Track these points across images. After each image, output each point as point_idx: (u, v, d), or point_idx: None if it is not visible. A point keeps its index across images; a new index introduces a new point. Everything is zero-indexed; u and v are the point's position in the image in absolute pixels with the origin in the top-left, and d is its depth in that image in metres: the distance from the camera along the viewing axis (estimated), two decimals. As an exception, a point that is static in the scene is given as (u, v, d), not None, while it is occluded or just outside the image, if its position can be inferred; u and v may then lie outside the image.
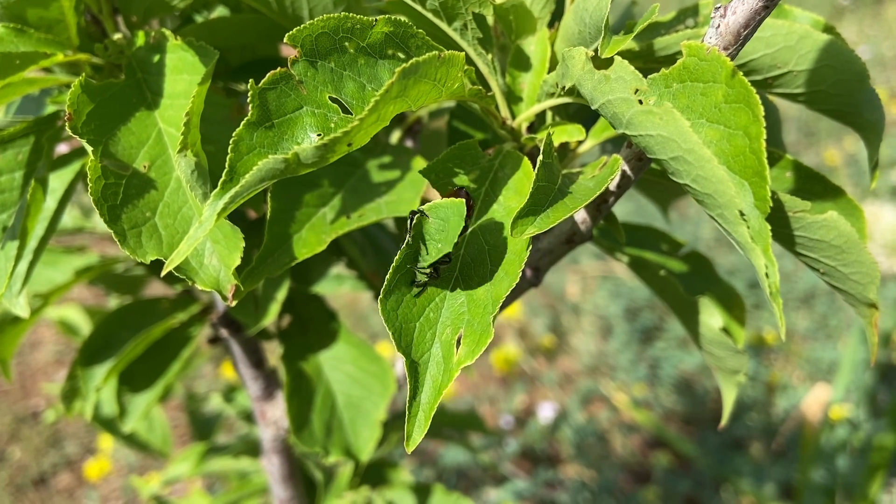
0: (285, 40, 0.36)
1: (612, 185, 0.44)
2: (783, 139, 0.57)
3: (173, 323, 0.72)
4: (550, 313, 2.51)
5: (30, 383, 2.38)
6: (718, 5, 0.36)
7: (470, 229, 0.41)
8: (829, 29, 0.46)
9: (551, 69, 0.46)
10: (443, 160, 0.43)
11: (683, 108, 0.34)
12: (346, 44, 0.37)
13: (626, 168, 0.42)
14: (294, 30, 0.35)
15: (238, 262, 0.44)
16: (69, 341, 2.47)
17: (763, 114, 0.32)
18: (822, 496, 1.59)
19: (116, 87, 0.46)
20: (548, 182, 0.38)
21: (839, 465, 1.65)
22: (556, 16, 0.49)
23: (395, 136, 0.71)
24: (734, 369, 0.57)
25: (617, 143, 0.56)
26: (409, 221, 0.40)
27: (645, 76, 0.36)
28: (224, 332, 0.75)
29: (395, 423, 0.90)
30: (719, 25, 0.35)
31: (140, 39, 0.49)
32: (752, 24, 0.35)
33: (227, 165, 0.34)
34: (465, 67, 0.38)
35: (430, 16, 0.45)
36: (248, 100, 0.35)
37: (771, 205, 0.32)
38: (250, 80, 0.35)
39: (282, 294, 0.66)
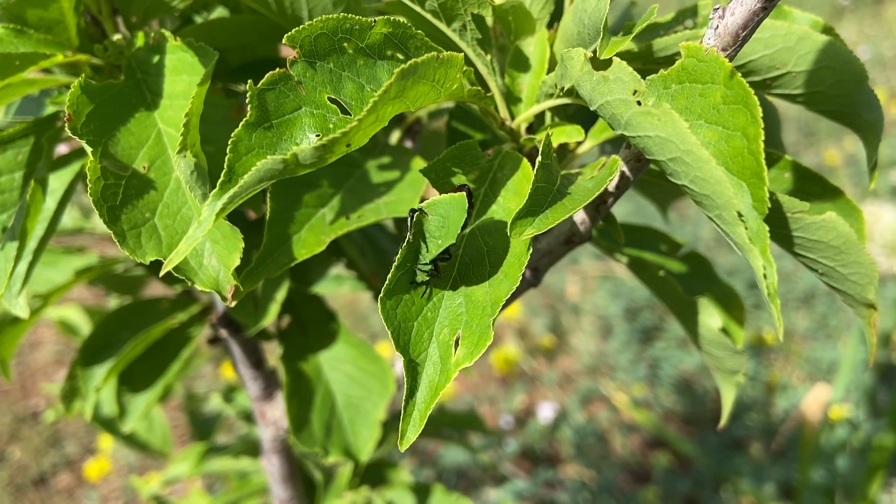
0: (284, 41, 0.36)
1: (611, 186, 0.44)
2: (783, 139, 0.58)
3: (173, 323, 0.72)
4: (550, 313, 2.51)
5: (30, 383, 2.38)
6: (717, 6, 0.36)
7: (469, 230, 0.41)
8: (827, 30, 0.46)
9: (550, 70, 0.46)
10: (442, 160, 0.43)
11: (682, 109, 0.35)
12: (345, 44, 0.37)
13: (624, 169, 0.42)
14: (293, 30, 0.35)
15: (237, 262, 0.44)
16: (69, 341, 2.47)
17: (761, 115, 0.32)
18: (822, 496, 1.59)
19: (116, 87, 0.46)
20: (547, 183, 0.38)
21: (839, 465, 1.65)
22: (556, 16, 0.49)
23: (394, 137, 0.71)
24: (733, 369, 0.57)
25: (616, 144, 0.56)
26: (409, 220, 0.40)
27: (644, 77, 0.36)
28: (224, 333, 0.75)
29: (395, 423, 0.90)
30: (718, 27, 0.35)
31: (140, 40, 0.49)
32: (750, 26, 0.35)
33: (225, 166, 0.34)
34: (464, 68, 0.38)
35: (429, 16, 0.45)
36: (247, 100, 0.35)
37: (769, 206, 0.32)
38: (249, 81, 0.35)
39: (281, 294, 0.66)
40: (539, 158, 0.38)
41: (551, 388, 2.25)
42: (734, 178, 0.33)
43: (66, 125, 0.42)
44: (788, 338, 2.22)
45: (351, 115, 0.37)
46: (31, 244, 0.51)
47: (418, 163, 0.52)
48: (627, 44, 0.44)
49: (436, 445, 1.98)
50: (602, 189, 0.38)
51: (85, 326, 1.10)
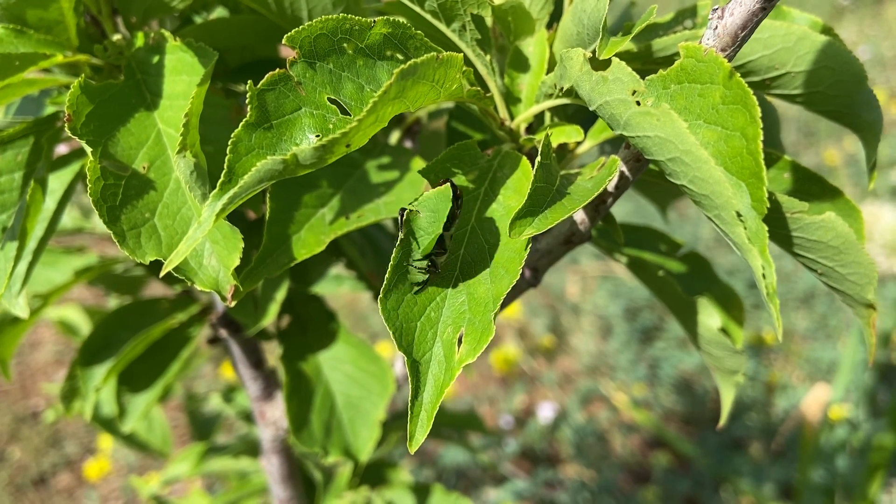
0: (284, 41, 0.36)
1: (611, 186, 0.44)
2: (783, 139, 0.58)
3: (173, 323, 0.72)
4: (550, 313, 2.51)
5: (30, 383, 2.38)
6: (716, 7, 0.36)
7: (469, 227, 0.41)
8: (826, 30, 0.46)
9: (550, 70, 0.46)
10: (441, 160, 0.43)
11: (681, 109, 0.35)
12: (345, 45, 0.37)
13: (624, 169, 0.42)
14: (293, 31, 0.36)
15: (237, 262, 0.44)
16: (69, 341, 2.47)
17: (760, 115, 0.32)
18: (822, 496, 1.59)
19: (116, 87, 0.46)
20: (546, 183, 0.38)
21: (839, 465, 1.65)
22: (555, 17, 0.49)
23: (394, 137, 0.71)
24: (732, 369, 0.57)
25: (615, 144, 0.56)
26: (399, 219, 0.40)
27: (643, 77, 0.36)
28: (223, 333, 0.75)
29: (395, 423, 0.90)
30: (717, 27, 0.35)
31: (139, 40, 0.49)
32: (749, 26, 0.35)
33: (225, 166, 0.34)
34: (464, 68, 0.39)
35: (428, 17, 0.45)
36: (247, 101, 0.35)
37: (768, 206, 0.32)
38: (249, 82, 0.35)
39: (281, 294, 0.66)
40: (538, 158, 0.38)
41: (551, 388, 2.25)
42: (733, 178, 0.33)
43: (66, 125, 0.42)
44: (788, 338, 2.22)
45: (351, 115, 0.37)
46: (31, 244, 0.51)
47: (418, 163, 0.52)
48: (627, 44, 0.44)
49: (435, 445, 1.98)
50: (601, 189, 0.38)
51: (85, 326, 1.10)
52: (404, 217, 0.40)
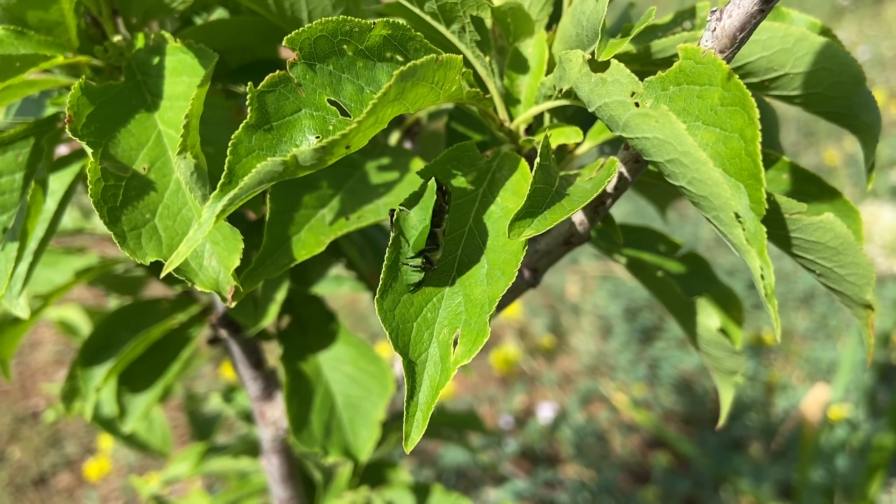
0: (284, 43, 0.36)
1: (610, 187, 0.44)
2: (782, 140, 0.58)
3: (173, 324, 0.72)
4: (550, 313, 2.52)
5: (30, 383, 2.38)
6: (714, 8, 0.36)
7: (467, 228, 0.41)
8: (825, 31, 0.46)
9: (549, 71, 0.46)
10: (441, 161, 0.43)
11: (679, 110, 0.35)
12: (345, 47, 0.37)
13: (623, 170, 0.42)
14: (293, 33, 0.36)
15: (237, 263, 0.44)
16: (69, 342, 2.47)
17: (758, 116, 0.32)
18: (822, 496, 1.59)
19: (116, 89, 0.46)
20: (545, 184, 0.38)
21: (838, 465, 1.65)
22: (554, 18, 0.49)
23: (393, 138, 0.71)
24: (732, 370, 0.57)
25: (614, 145, 0.56)
26: (390, 221, 0.40)
27: (642, 79, 0.36)
28: (223, 333, 0.75)
29: (395, 423, 0.90)
30: (715, 28, 0.36)
31: (140, 41, 0.49)
32: (747, 28, 0.35)
33: (225, 168, 0.34)
34: (463, 70, 0.39)
35: (428, 18, 0.45)
36: (247, 102, 0.35)
37: (766, 207, 0.32)
38: (249, 83, 0.35)
39: (281, 295, 0.66)
40: (537, 160, 0.38)
41: (551, 389, 2.25)
42: (731, 180, 0.33)
43: (67, 126, 0.42)
44: (788, 338, 2.22)
45: (350, 116, 0.37)
46: (32, 245, 0.51)
47: (417, 164, 0.53)
48: (626, 45, 0.44)
49: (435, 445, 1.98)
50: (600, 190, 0.38)
51: (85, 327, 1.11)
52: (394, 217, 0.40)
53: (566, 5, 0.47)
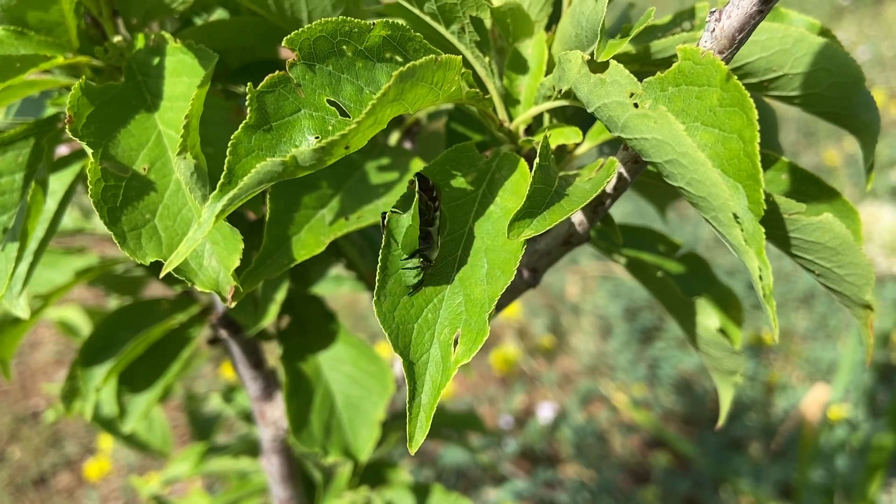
0: (283, 44, 0.36)
1: (609, 188, 0.44)
2: (782, 140, 0.58)
3: (173, 324, 0.72)
4: (550, 313, 2.52)
5: (30, 383, 2.38)
6: (713, 9, 0.36)
7: (467, 229, 0.41)
8: (824, 32, 0.46)
9: (548, 72, 0.46)
10: (440, 162, 0.43)
11: (678, 111, 0.35)
12: (344, 47, 0.37)
13: (622, 170, 0.43)
14: (292, 33, 0.36)
15: (237, 263, 0.44)
16: (69, 342, 2.47)
17: (757, 117, 0.32)
18: (821, 496, 1.59)
19: (116, 89, 0.46)
20: (544, 184, 0.38)
21: (838, 465, 1.65)
22: (554, 19, 0.49)
23: (393, 138, 0.71)
24: (731, 370, 0.57)
25: (614, 146, 0.56)
26: (381, 224, 0.40)
27: (641, 79, 0.36)
28: (223, 333, 0.76)
29: (394, 423, 0.90)
30: (714, 29, 0.36)
31: (140, 42, 0.49)
32: (746, 28, 0.35)
33: (225, 168, 0.34)
34: (463, 70, 0.39)
35: (427, 19, 0.45)
36: (247, 103, 0.35)
37: (765, 207, 0.32)
38: (249, 84, 0.35)
39: (281, 295, 0.66)
40: (537, 160, 0.38)
41: (551, 389, 2.25)
42: (730, 180, 0.33)
43: (67, 127, 0.42)
44: (788, 338, 2.22)
45: (350, 117, 0.37)
46: (32, 245, 0.51)
47: (417, 164, 0.53)
48: (625, 46, 0.44)
49: (435, 445, 1.98)
50: (600, 190, 0.38)
51: (85, 327, 1.11)
52: (385, 220, 0.40)
53: (565, 6, 0.47)
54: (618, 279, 2.50)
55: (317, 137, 0.36)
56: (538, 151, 0.39)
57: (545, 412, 2.09)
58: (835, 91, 0.45)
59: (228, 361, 1.44)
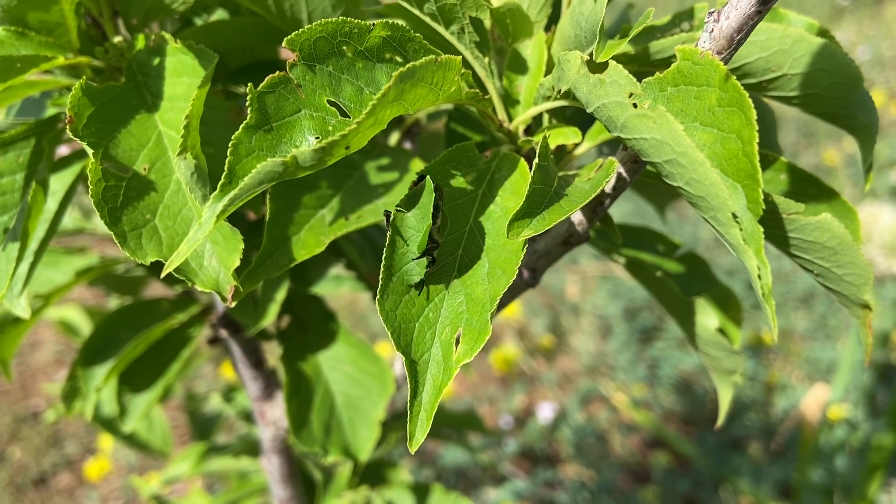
0: (284, 44, 0.36)
1: (608, 188, 0.44)
2: (782, 140, 0.58)
3: (173, 323, 0.72)
4: (550, 313, 2.52)
5: (30, 383, 2.38)
6: (712, 10, 0.36)
7: (467, 228, 0.41)
8: (823, 32, 0.46)
9: (548, 72, 0.46)
10: (440, 162, 0.43)
11: (677, 111, 0.35)
12: (344, 48, 0.37)
13: (621, 170, 0.43)
14: (293, 34, 0.36)
15: (237, 263, 0.44)
16: (69, 341, 2.48)
17: (756, 117, 0.32)
18: (821, 496, 1.59)
19: (117, 89, 0.46)
20: (544, 184, 0.38)
21: (838, 465, 1.65)
22: (553, 19, 0.49)
23: (393, 138, 0.71)
24: (730, 369, 0.57)
25: (613, 146, 0.56)
26: (386, 222, 0.40)
27: (640, 80, 0.36)
28: (223, 333, 0.76)
29: (394, 422, 0.90)
30: (713, 30, 0.36)
31: (140, 42, 0.50)
32: (745, 29, 0.35)
33: (226, 168, 0.34)
34: (462, 71, 0.39)
35: (427, 20, 0.45)
36: (247, 103, 0.35)
37: (763, 207, 0.32)
38: (249, 84, 0.35)
39: (281, 295, 0.66)
40: (536, 160, 0.38)
41: (551, 389, 2.26)
42: (729, 180, 0.33)
43: (68, 127, 0.42)
44: (788, 338, 2.22)
45: (350, 117, 0.37)
46: (33, 245, 0.51)
47: (417, 164, 0.53)
48: (624, 46, 0.45)
49: (435, 445, 1.98)
50: (599, 190, 0.39)
51: (85, 327, 1.11)
52: (391, 219, 0.40)
53: (565, 6, 0.47)
54: (617, 279, 2.50)
55: (317, 138, 0.36)
56: (537, 151, 0.39)
57: (545, 412, 2.09)
58: (833, 91, 0.45)
59: (228, 361, 1.44)
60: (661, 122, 0.32)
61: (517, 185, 0.43)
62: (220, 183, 0.34)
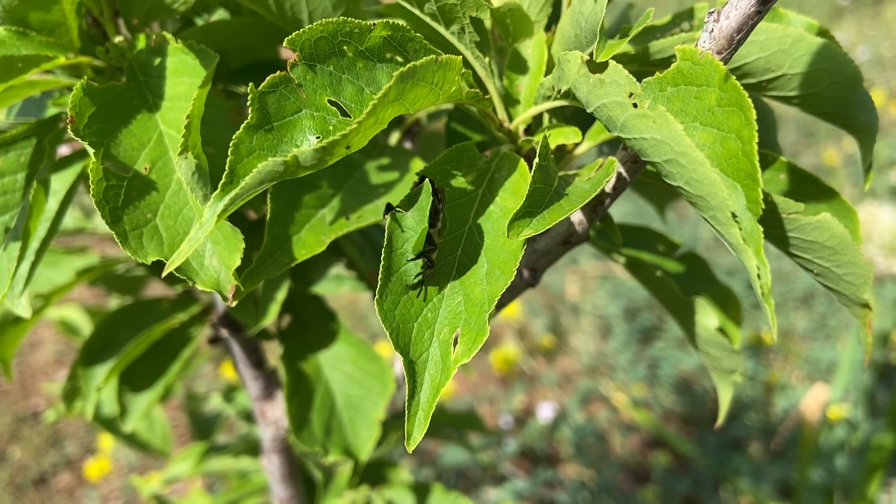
0: (284, 44, 0.36)
1: (608, 188, 0.44)
2: (782, 140, 0.58)
3: (174, 323, 0.73)
4: (550, 313, 2.52)
5: (30, 383, 2.38)
6: (712, 10, 0.36)
7: (467, 228, 0.41)
8: (822, 32, 0.46)
9: (548, 72, 0.47)
10: (440, 162, 0.43)
11: (677, 111, 0.35)
12: (345, 48, 0.37)
13: (621, 170, 0.43)
14: (293, 34, 0.36)
15: (238, 262, 0.44)
16: (69, 341, 2.48)
17: (755, 117, 0.32)
18: (821, 496, 1.59)
19: (118, 89, 0.46)
20: (544, 184, 0.38)
21: (837, 465, 1.66)
22: (553, 19, 0.50)
23: (393, 138, 0.71)
24: (730, 369, 0.57)
25: (613, 146, 0.56)
26: (384, 222, 0.41)
27: (640, 79, 0.36)
28: (224, 333, 0.76)
29: (395, 422, 0.90)
30: (713, 30, 0.36)
31: (141, 42, 0.50)
32: (744, 29, 0.35)
33: (227, 168, 0.34)
34: (463, 71, 0.39)
35: (427, 19, 0.45)
36: (248, 103, 0.35)
37: (763, 207, 0.32)
38: (250, 84, 0.35)
39: (281, 294, 0.66)
40: (536, 160, 0.38)
41: (551, 388, 2.26)
42: (728, 180, 0.33)
43: (69, 127, 0.43)
44: (787, 338, 2.22)
45: (351, 117, 0.37)
46: (34, 245, 0.51)
47: (417, 164, 0.53)
48: (624, 46, 0.45)
49: (435, 445, 1.99)
50: (599, 190, 0.39)
51: (85, 326, 1.11)
52: (390, 218, 0.40)
53: (565, 6, 0.47)
54: (617, 279, 2.50)
55: (318, 137, 0.36)
56: (538, 151, 0.39)
57: (545, 412, 2.09)
58: (833, 91, 0.45)
59: (229, 361, 1.44)
60: (660, 121, 0.32)
61: (517, 185, 0.43)
62: (221, 182, 0.34)
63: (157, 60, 0.48)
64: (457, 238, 0.41)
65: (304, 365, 0.72)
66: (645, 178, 0.49)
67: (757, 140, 0.32)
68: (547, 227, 0.36)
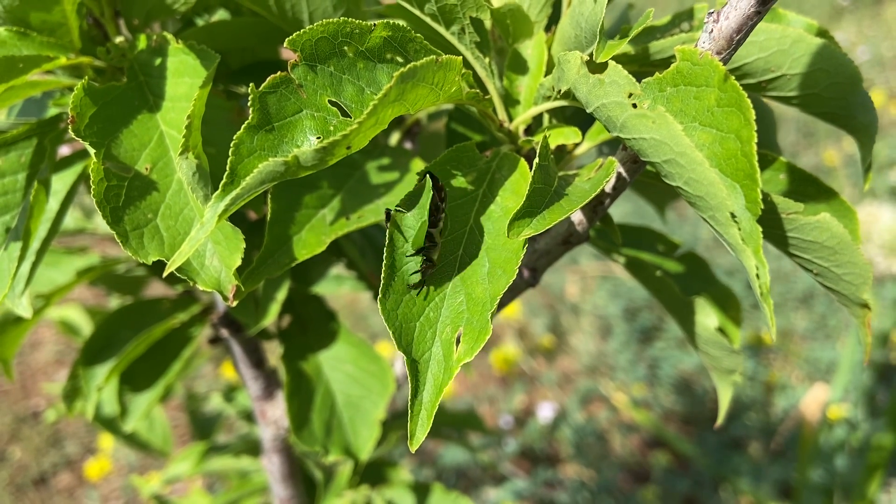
0: (285, 44, 0.36)
1: (608, 188, 0.44)
2: (782, 140, 0.58)
3: (174, 323, 0.73)
4: (550, 313, 2.52)
5: (30, 383, 2.38)
6: (712, 10, 0.36)
7: (468, 228, 0.42)
8: (822, 33, 0.46)
9: (548, 72, 0.47)
10: (441, 162, 0.43)
11: (677, 111, 0.35)
12: (346, 48, 0.37)
13: (621, 170, 0.43)
14: (294, 34, 0.36)
15: (239, 262, 0.44)
16: (69, 341, 2.48)
17: (754, 118, 0.32)
18: (821, 496, 1.59)
19: (118, 89, 0.46)
20: (544, 184, 0.38)
21: (837, 465, 1.66)
22: (553, 20, 0.50)
23: (394, 138, 0.71)
24: (730, 369, 0.57)
25: (613, 146, 0.56)
26: (385, 220, 0.41)
27: (640, 80, 0.36)
28: (224, 332, 0.76)
29: (395, 422, 0.90)
30: (712, 30, 0.36)
31: (142, 43, 0.50)
32: (744, 30, 0.35)
33: (227, 168, 0.34)
34: (463, 71, 0.39)
35: (428, 20, 0.45)
36: (249, 103, 0.35)
37: (762, 207, 0.32)
38: (251, 84, 0.35)
39: (282, 294, 0.66)
40: (536, 160, 0.38)
41: (551, 388, 2.26)
42: (728, 180, 0.33)
43: (70, 127, 0.43)
44: (787, 338, 2.22)
45: (351, 117, 0.37)
46: (35, 245, 0.52)
47: (417, 164, 0.53)
48: (624, 47, 0.45)
49: (435, 445, 1.99)
50: (599, 190, 0.39)
51: (86, 326, 1.11)
52: (390, 217, 0.40)
53: (565, 7, 0.48)
54: (617, 279, 2.50)
55: (318, 138, 0.36)
56: (538, 151, 0.39)
57: (545, 412, 2.09)
58: (833, 91, 0.45)
59: (229, 361, 1.44)
60: (660, 122, 0.33)
61: (517, 185, 0.43)
62: (222, 182, 0.34)
63: (158, 61, 0.48)
64: (458, 237, 0.41)
65: (304, 365, 0.72)
66: (645, 178, 0.49)
67: (756, 140, 0.32)
68: (547, 227, 0.36)
